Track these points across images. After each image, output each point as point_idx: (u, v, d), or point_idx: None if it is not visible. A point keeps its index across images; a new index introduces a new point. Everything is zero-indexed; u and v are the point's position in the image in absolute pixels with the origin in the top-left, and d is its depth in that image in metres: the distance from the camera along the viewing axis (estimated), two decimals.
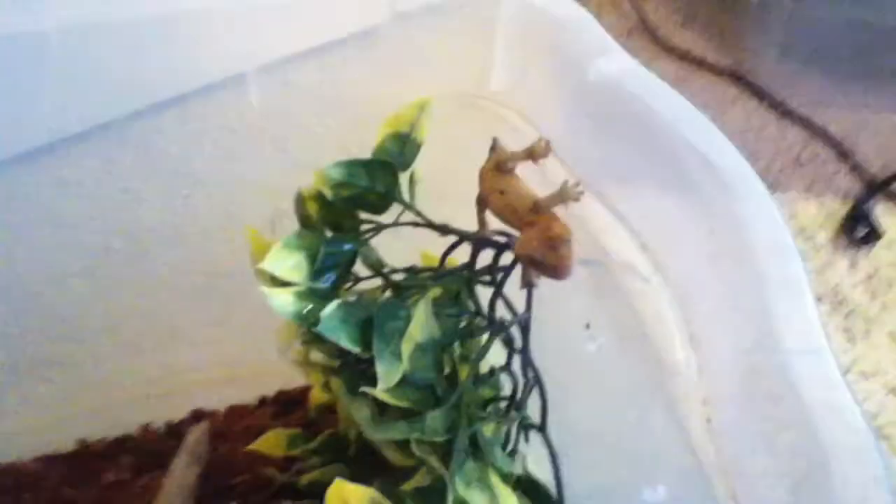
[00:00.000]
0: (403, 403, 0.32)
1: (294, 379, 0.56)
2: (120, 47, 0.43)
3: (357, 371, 0.34)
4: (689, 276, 0.29)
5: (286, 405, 0.55)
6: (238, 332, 0.54)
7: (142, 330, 0.52)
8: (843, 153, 0.73)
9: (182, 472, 0.47)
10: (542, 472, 0.38)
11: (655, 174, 0.31)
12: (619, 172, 0.32)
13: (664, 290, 0.30)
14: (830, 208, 0.68)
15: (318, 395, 0.47)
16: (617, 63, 0.32)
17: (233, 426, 0.54)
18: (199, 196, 0.51)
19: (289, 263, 0.33)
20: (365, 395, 0.34)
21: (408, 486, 0.35)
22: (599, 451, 0.35)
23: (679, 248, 0.30)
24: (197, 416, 0.55)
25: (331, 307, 0.31)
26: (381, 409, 0.35)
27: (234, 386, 0.56)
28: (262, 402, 0.56)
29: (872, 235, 0.65)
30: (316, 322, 0.31)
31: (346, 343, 0.31)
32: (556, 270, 0.30)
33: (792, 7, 0.74)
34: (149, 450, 0.53)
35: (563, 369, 0.34)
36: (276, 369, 0.53)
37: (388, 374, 0.31)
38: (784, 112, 0.77)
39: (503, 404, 0.39)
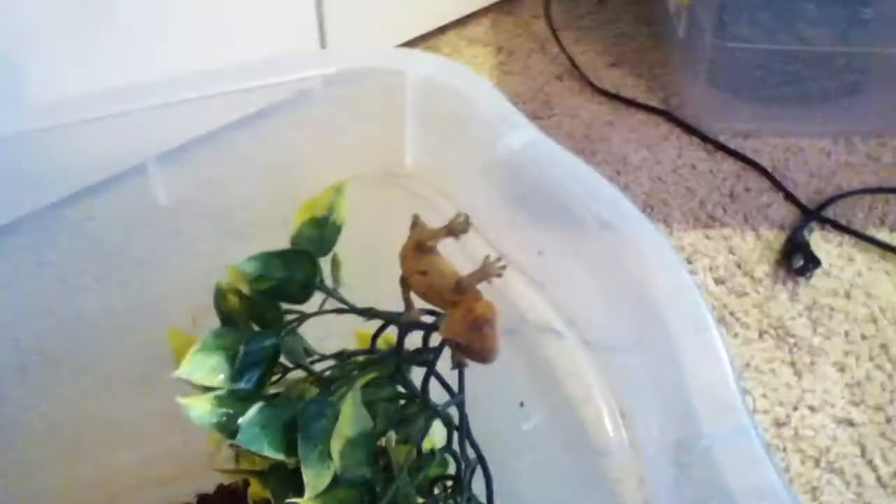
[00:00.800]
0: None
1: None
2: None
3: (285, 477, 0.33)
4: (609, 342, 0.29)
5: (227, 501, 0.53)
6: (180, 423, 0.52)
7: (80, 431, 0.50)
8: (775, 183, 0.74)
9: None
10: None
11: (563, 240, 0.31)
12: (533, 242, 0.32)
13: (586, 354, 0.29)
14: (767, 240, 0.69)
15: (256, 492, 0.45)
16: (522, 136, 0.31)
17: None
18: (135, 282, 0.49)
19: (207, 366, 0.32)
20: None
21: None
22: None
23: (592, 310, 0.30)
24: None
25: (250, 414, 0.30)
26: None
27: (174, 485, 0.54)
28: (202, 499, 0.54)
29: (810, 265, 0.65)
30: (235, 432, 0.29)
31: (269, 451, 0.30)
32: (481, 354, 0.30)
33: (714, 41, 0.76)
34: None
35: (502, 448, 0.33)
36: (211, 466, 0.52)
37: (316, 479, 0.30)
38: (716, 145, 0.78)
39: (449, 483, 0.38)
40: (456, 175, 0.35)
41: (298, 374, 0.38)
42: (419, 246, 0.33)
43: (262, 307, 0.35)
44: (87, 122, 0.38)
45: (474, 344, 0.30)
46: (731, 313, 0.62)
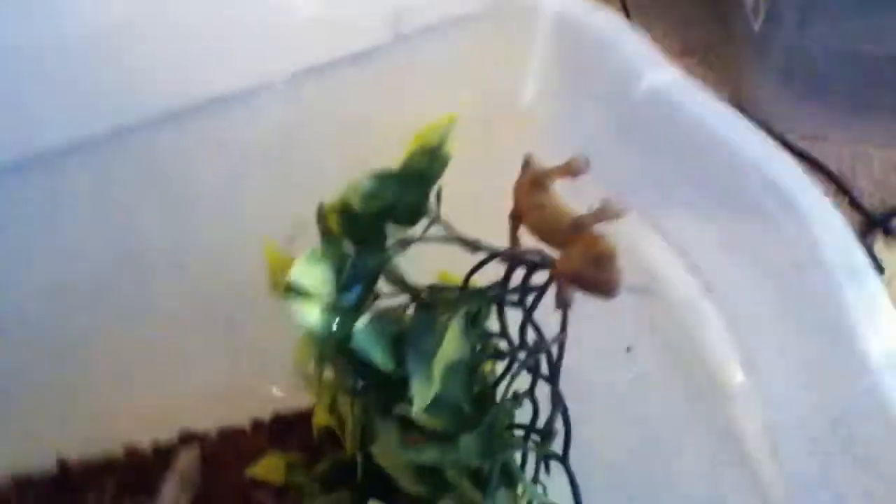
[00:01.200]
0: (437, 425, 0.30)
1: (288, 403, 0.54)
2: (116, 59, 0.41)
3: (385, 391, 0.32)
4: (745, 298, 0.28)
5: (282, 429, 0.53)
6: (235, 355, 0.52)
7: (138, 353, 0.49)
8: (840, 188, 0.73)
9: (172, 500, 0.45)
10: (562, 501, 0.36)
11: (708, 193, 0.30)
12: (665, 192, 0.31)
13: (717, 313, 0.28)
14: None
15: (322, 418, 0.45)
16: (667, 76, 0.30)
17: (225, 450, 0.51)
18: (199, 216, 0.49)
19: (316, 274, 0.31)
20: (392, 416, 0.32)
21: None
22: (631, 484, 0.33)
23: (737, 276, 0.28)
24: (186, 438, 0.53)
25: (363, 321, 0.30)
26: (404, 432, 0.33)
27: (225, 407, 0.53)
28: (257, 425, 0.53)
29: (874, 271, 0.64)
30: (347, 338, 0.29)
31: (380, 359, 0.29)
32: (602, 288, 0.29)
33: (793, 37, 0.74)
34: (134, 473, 0.50)
35: (596, 394, 0.32)
36: (269, 393, 0.51)
37: (422, 393, 0.29)
38: (783, 144, 0.76)
39: (520, 431, 0.38)
40: (579, 115, 0.34)
41: (391, 302, 0.37)
42: (536, 181, 0.32)
43: (367, 228, 0.34)
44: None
45: (595, 278, 0.29)
46: None
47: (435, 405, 0.30)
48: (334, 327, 0.30)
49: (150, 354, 0.51)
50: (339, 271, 0.32)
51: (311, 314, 0.30)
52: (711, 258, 0.30)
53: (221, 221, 0.49)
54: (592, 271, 0.29)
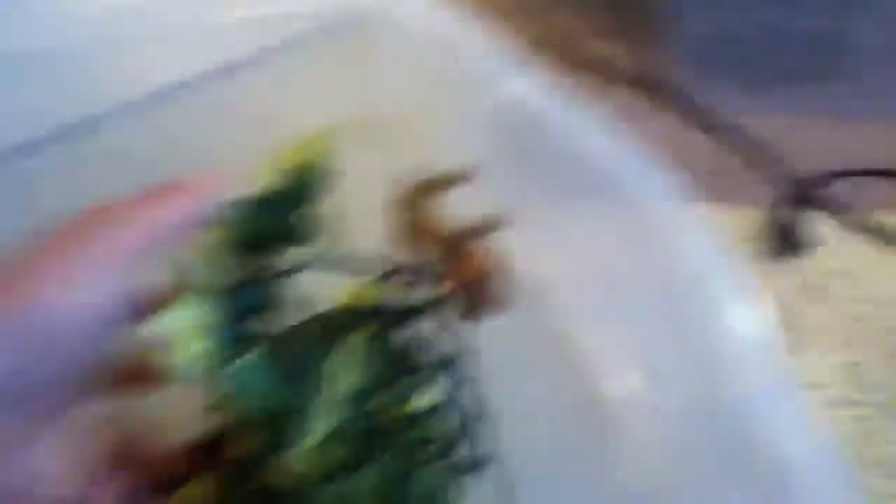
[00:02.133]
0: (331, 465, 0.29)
1: None
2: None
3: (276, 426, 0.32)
4: (616, 302, 0.28)
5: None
6: None
7: None
8: (764, 160, 0.73)
9: None
10: None
11: (573, 196, 0.29)
12: (534, 196, 0.31)
13: (595, 319, 0.28)
14: (754, 219, 0.68)
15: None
16: (523, 83, 0.30)
17: None
18: None
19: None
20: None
21: None
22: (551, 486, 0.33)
23: (600, 270, 0.28)
24: None
25: (249, 357, 0.29)
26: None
27: None
28: None
29: (798, 245, 0.65)
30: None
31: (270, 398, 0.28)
32: (484, 306, 0.29)
33: (706, 15, 0.75)
34: None
35: (503, 404, 0.32)
36: None
37: (318, 427, 0.28)
38: (703, 121, 0.77)
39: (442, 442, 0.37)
40: (445, 125, 0.34)
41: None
42: (417, 193, 0.32)
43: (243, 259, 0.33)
44: None
45: (478, 295, 0.29)
46: None
47: (334, 440, 0.29)
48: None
49: None
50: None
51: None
52: (582, 262, 0.29)
53: None
54: (474, 289, 0.29)
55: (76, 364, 0.23)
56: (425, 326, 0.34)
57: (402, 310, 0.34)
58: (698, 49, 0.77)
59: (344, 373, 0.30)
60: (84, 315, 0.23)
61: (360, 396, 0.31)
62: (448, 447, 0.37)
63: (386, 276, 0.34)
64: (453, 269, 0.30)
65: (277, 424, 0.30)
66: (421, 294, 0.33)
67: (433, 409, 0.35)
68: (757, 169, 0.72)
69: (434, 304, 0.33)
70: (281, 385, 0.29)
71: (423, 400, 0.34)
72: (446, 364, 0.34)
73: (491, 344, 0.30)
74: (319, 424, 0.29)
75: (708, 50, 0.78)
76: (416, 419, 0.34)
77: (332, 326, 0.34)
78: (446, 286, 0.30)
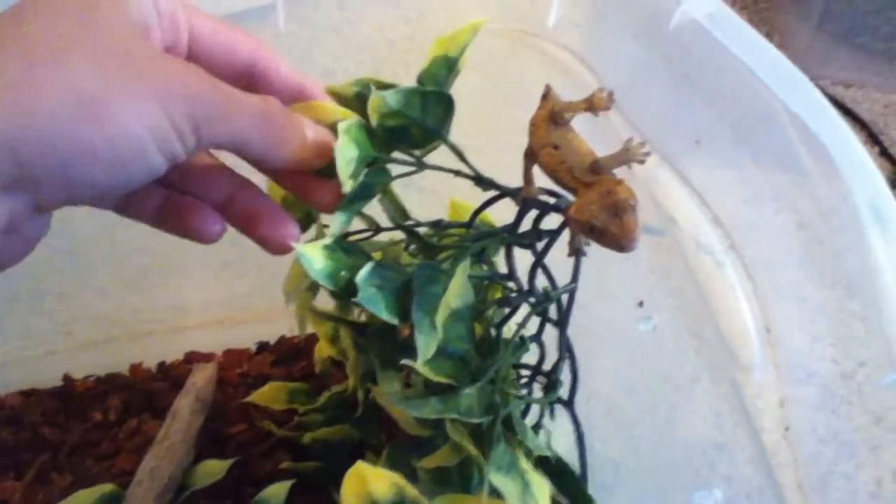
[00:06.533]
0: (441, 378, 0.29)
1: (294, 327, 0.54)
2: None
3: (387, 341, 0.32)
4: (768, 261, 0.26)
5: (287, 354, 0.53)
6: (243, 275, 0.51)
7: (146, 266, 0.49)
8: (872, 136, 0.71)
9: (188, 418, 0.44)
10: (566, 445, 0.36)
11: (740, 139, 0.28)
12: (694, 133, 0.29)
13: (737, 273, 0.27)
14: None
15: (324, 349, 0.44)
16: (705, 8, 0.28)
17: (230, 371, 0.51)
18: None
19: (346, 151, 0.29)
20: (395, 366, 0.32)
21: (428, 464, 0.33)
22: (641, 439, 0.33)
23: (761, 228, 0.27)
24: (191, 358, 0.53)
25: (365, 271, 0.28)
26: (407, 378, 0.33)
27: (232, 329, 0.53)
28: (262, 348, 0.53)
29: None
30: (353, 291, 0.28)
31: (385, 314, 0.28)
32: (619, 241, 0.27)
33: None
34: (139, 391, 0.50)
35: (605, 345, 0.31)
36: (277, 315, 0.51)
37: (427, 346, 0.28)
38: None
39: (526, 375, 0.37)
40: (607, 43, 0.32)
41: (390, 235, 0.36)
42: (553, 117, 0.30)
43: (382, 146, 0.33)
44: None
45: (612, 229, 0.28)
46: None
47: (437, 356, 0.29)
48: (338, 272, 0.29)
49: (163, 276, 0.50)
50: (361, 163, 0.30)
51: (314, 256, 0.29)
52: (735, 210, 0.28)
53: None
54: (608, 220, 0.27)
55: None
56: (538, 256, 0.33)
57: (518, 236, 0.33)
58: (819, 16, 0.74)
59: (458, 288, 0.30)
60: None
61: (469, 313, 0.31)
62: (533, 378, 0.37)
63: (508, 196, 0.33)
64: (581, 201, 0.29)
65: (389, 338, 0.30)
66: (541, 222, 0.33)
67: (523, 340, 0.35)
68: (863, 145, 0.69)
69: (553, 235, 0.33)
70: (395, 301, 0.29)
71: (515, 330, 0.34)
72: (553, 301, 0.34)
73: (607, 285, 0.29)
74: (432, 339, 0.29)
75: (828, 18, 0.74)
76: (508, 349, 0.34)
77: (443, 242, 0.34)
78: (578, 214, 0.28)
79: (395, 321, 0.28)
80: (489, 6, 0.34)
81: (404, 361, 0.28)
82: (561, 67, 0.33)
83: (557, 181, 0.30)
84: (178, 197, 0.29)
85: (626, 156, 0.28)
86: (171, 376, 0.52)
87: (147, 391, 0.50)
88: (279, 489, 0.39)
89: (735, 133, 0.28)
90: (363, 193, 0.31)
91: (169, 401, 0.46)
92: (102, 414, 0.49)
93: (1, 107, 0.21)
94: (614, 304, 0.33)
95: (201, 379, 0.47)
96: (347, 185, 0.28)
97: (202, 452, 0.44)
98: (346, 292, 0.29)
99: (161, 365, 0.53)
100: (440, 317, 0.29)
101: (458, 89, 0.32)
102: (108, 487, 0.39)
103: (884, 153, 0.69)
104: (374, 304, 0.28)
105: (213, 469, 0.42)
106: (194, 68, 0.25)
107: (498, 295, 0.38)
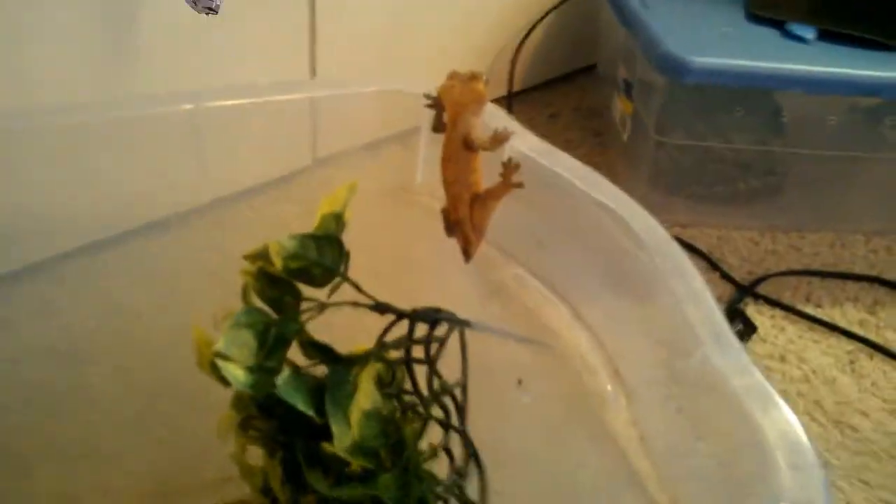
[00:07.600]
0: (361, 462, 0.33)
1: (229, 494, 0.56)
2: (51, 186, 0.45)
3: (309, 439, 0.36)
4: (603, 316, 0.33)
5: None
6: (172, 451, 0.53)
7: (77, 456, 0.50)
8: (712, 264, 0.82)
9: None
10: None
11: (577, 241, 0.36)
12: (538, 238, 0.37)
13: (583, 336, 0.34)
14: None
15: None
16: (528, 143, 0.37)
17: None
18: (138, 328, 0.51)
19: (240, 341, 0.35)
20: (321, 464, 0.36)
21: None
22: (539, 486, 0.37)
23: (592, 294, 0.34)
24: None
25: (285, 374, 0.34)
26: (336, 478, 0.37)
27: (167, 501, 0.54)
28: None
29: (749, 330, 0.72)
30: (271, 395, 0.33)
31: (302, 406, 0.33)
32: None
33: (654, 144, 0.85)
34: None
35: (498, 421, 0.37)
36: (211, 486, 0.53)
37: (341, 437, 0.33)
38: None
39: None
40: None
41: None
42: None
43: (284, 290, 0.38)
44: None
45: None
46: None
47: (355, 450, 0.34)
48: (258, 382, 0.33)
49: (96, 463, 0.52)
50: (261, 338, 0.36)
51: (236, 373, 0.33)
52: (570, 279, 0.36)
53: (159, 331, 0.51)
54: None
55: None
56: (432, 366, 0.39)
57: (412, 343, 0.39)
58: (649, 174, 0.87)
59: (366, 392, 0.35)
60: None
61: (378, 416, 0.36)
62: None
63: (404, 318, 0.39)
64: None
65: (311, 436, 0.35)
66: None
67: (434, 452, 0.40)
68: (704, 272, 0.80)
69: (441, 341, 0.39)
70: (310, 399, 0.34)
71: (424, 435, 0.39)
72: (441, 400, 0.39)
73: (491, 374, 0.35)
74: (346, 432, 0.33)
75: (659, 173, 0.87)
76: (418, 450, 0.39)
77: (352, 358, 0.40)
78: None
79: (311, 411, 0.33)
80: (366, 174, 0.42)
81: (326, 444, 0.32)
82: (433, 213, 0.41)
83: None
84: None
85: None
86: None
87: None
88: None
89: (574, 236, 0.36)
90: (279, 343, 0.36)
91: None
92: None
93: None
94: (500, 387, 0.39)
95: None
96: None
97: None
98: (269, 403, 0.33)
99: None
100: (354, 417, 0.34)
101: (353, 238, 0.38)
102: None
103: (724, 276, 0.80)
104: (291, 397, 0.33)
105: None
106: None
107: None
